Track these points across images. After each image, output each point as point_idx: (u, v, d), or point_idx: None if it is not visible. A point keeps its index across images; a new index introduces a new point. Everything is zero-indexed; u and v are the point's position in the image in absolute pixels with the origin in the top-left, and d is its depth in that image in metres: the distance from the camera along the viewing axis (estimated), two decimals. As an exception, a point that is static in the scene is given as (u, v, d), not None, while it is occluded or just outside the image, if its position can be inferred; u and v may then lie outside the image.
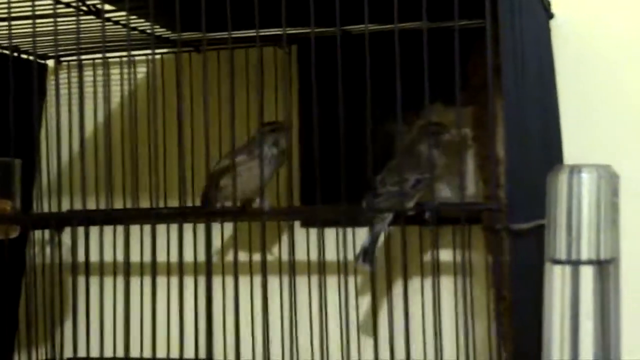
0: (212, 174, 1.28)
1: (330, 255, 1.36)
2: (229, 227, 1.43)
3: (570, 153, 1.22)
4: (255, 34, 1.24)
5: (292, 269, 1.33)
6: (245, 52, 1.38)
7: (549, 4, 1.27)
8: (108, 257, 1.42)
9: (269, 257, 1.40)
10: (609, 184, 0.82)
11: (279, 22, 1.09)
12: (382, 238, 1.17)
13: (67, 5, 1.22)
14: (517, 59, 1.00)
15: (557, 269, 0.82)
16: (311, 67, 1.12)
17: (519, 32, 1.00)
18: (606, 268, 0.81)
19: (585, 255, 0.81)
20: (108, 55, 1.35)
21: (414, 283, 1.34)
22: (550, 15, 1.27)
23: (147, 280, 1.35)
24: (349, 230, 1.34)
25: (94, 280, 1.26)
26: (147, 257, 1.41)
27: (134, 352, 1.38)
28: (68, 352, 1.45)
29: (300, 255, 1.39)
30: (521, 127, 0.99)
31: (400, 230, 1.29)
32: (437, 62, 1.04)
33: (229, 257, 1.44)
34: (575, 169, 0.82)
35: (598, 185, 0.81)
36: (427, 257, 1.34)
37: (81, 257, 1.27)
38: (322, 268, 1.32)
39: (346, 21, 1.14)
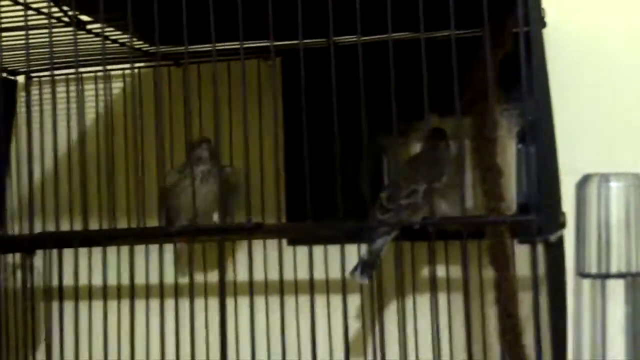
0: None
1: (319, 273, 1.31)
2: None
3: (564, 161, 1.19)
4: (238, 47, 1.21)
5: (281, 288, 1.28)
6: (228, 65, 1.33)
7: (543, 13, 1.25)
8: (83, 281, 1.38)
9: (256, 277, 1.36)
10: (639, 193, 0.79)
11: (261, 34, 1.05)
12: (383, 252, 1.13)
13: (38, 12, 1.15)
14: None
15: (586, 283, 0.79)
16: (296, 79, 1.09)
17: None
18: (638, 281, 0.78)
19: (615, 268, 0.78)
20: (82, 70, 1.30)
21: (423, 299, 1.30)
22: (544, 24, 1.25)
23: (125, 304, 1.30)
24: (339, 248, 1.30)
25: (69, 305, 1.20)
26: (125, 280, 1.36)
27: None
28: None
29: (288, 274, 1.34)
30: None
31: (397, 246, 1.30)
32: (432, 73, 1.01)
33: (214, 277, 1.39)
34: (603, 178, 0.79)
35: (627, 194, 0.78)
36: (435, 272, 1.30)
37: (55, 281, 1.20)
38: (312, 287, 1.26)
39: (334, 32, 1.11)
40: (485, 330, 1.23)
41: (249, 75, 1.31)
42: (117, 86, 1.44)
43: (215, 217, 1.22)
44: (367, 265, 1.12)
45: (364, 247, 1.30)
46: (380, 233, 1.10)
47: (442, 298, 1.29)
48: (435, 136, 1.15)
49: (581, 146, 1.27)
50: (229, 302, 1.35)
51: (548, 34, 1.12)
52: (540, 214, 0.87)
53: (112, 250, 1.33)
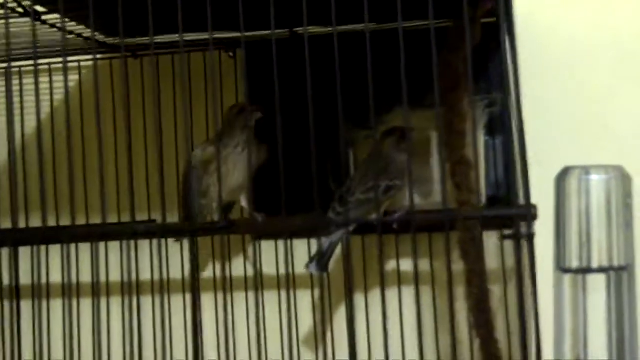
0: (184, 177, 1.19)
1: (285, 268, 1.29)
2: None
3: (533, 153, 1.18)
4: (198, 38, 1.18)
5: (254, 282, 1.26)
6: (188, 57, 1.30)
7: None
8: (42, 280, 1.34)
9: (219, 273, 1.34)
10: (621, 185, 0.78)
11: (223, 25, 1.02)
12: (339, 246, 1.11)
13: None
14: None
15: (566, 278, 0.78)
16: (259, 72, 1.06)
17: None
18: (620, 275, 0.77)
19: (596, 262, 0.77)
20: (39, 62, 1.26)
21: (391, 293, 1.28)
22: (513, 16, 1.24)
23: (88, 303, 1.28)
24: (303, 242, 1.28)
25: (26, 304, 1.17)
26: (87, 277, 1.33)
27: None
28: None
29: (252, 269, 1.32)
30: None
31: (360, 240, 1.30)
32: (399, 64, 0.99)
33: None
34: (584, 171, 0.78)
35: (608, 187, 0.77)
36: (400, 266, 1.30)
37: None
38: (290, 281, 1.26)
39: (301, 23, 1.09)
40: (454, 324, 1.22)
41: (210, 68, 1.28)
42: (72, 79, 1.39)
43: (243, 202, 1.16)
44: (322, 259, 1.10)
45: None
46: (336, 227, 1.08)
47: (410, 292, 1.28)
48: (396, 134, 1.13)
49: (550, 138, 1.26)
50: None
51: (518, 25, 1.11)
52: (521, 207, 0.86)
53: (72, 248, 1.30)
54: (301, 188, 1.06)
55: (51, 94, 1.40)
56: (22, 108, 1.37)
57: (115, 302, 1.34)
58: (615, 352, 0.76)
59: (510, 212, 0.88)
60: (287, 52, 1.08)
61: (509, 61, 1.08)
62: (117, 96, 1.35)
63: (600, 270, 0.77)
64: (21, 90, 1.38)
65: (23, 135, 1.40)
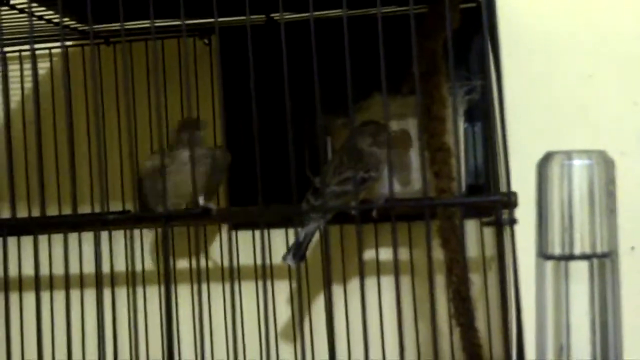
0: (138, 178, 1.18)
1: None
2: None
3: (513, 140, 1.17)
4: (171, 24, 1.16)
5: (231, 273, 1.24)
6: (162, 43, 1.28)
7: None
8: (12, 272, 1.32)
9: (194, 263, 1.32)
10: (604, 171, 0.76)
11: (197, 11, 1.00)
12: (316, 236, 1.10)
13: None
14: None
15: (549, 265, 0.76)
16: (234, 58, 1.04)
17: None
18: (602, 262, 0.76)
19: (579, 249, 0.76)
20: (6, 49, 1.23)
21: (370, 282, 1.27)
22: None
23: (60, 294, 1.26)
24: (281, 232, 1.27)
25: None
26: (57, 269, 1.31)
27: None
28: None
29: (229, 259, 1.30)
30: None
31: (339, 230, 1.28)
32: (376, 51, 0.98)
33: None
34: (566, 156, 0.76)
35: (591, 172, 0.76)
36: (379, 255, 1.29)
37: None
38: (266, 271, 1.23)
39: (274, 9, 1.07)
40: (434, 314, 1.21)
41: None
42: (44, 66, 1.36)
43: (201, 200, 1.16)
44: (298, 250, 1.08)
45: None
46: (311, 218, 1.07)
47: (389, 281, 1.27)
48: (368, 131, 1.11)
49: (531, 125, 1.25)
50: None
51: (497, 10, 1.10)
52: (502, 194, 0.85)
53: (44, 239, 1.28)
54: (279, 177, 1.04)
55: (22, 82, 1.37)
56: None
57: (89, 294, 1.32)
58: (599, 339, 0.75)
59: (491, 199, 0.87)
60: (263, 39, 1.07)
61: (489, 47, 1.06)
62: (89, 84, 1.32)
63: (583, 257, 0.76)
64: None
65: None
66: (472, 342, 1.05)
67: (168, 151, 1.15)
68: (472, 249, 1.23)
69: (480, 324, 1.11)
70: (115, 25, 1.23)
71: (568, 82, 1.27)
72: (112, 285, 1.32)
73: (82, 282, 1.33)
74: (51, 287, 1.32)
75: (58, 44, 1.30)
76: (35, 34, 1.18)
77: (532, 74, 1.27)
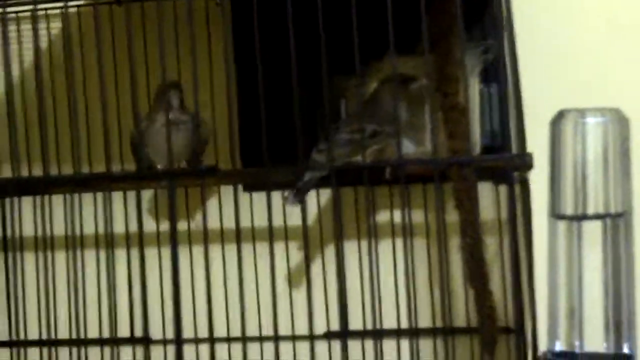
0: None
1: (278, 220, 1.26)
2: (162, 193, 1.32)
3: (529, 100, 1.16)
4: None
5: (238, 235, 1.23)
6: (174, 5, 1.26)
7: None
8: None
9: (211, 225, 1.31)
10: (618, 129, 0.74)
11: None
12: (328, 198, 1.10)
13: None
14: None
15: (561, 225, 0.75)
16: (246, 19, 1.02)
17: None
18: (616, 223, 0.74)
19: (592, 209, 0.74)
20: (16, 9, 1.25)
21: (384, 244, 1.27)
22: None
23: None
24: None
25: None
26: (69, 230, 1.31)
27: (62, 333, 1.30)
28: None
29: (245, 221, 1.29)
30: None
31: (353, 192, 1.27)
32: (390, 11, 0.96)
33: (164, 225, 1.33)
34: (579, 114, 0.75)
35: (605, 130, 0.74)
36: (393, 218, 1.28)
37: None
38: (271, 234, 1.23)
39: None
40: (449, 276, 1.20)
41: (197, 16, 1.23)
42: (55, 26, 1.35)
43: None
44: (299, 192, 1.08)
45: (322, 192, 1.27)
46: (317, 162, 1.07)
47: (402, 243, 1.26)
48: (396, 80, 1.10)
49: (545, 85, 1.23)
50: (185, 251, 1.31)
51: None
52: (514, 154, 0.83)
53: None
54: (292, 139, 1.04)
55: (35, 41, 1.36)
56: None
57: (89, 254, 1.32)
58: (612, 301, 0.74)
59: (504, 160, 0.85)
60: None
61: (503, 6, 1.05)
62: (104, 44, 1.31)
63: (596, 217, 0.75)
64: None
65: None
66: (486, 304, 1.04)
67: (146, 116, 1.16)
68: (488, 212, 1.21)
69: (495, 286, 1.11)
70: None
71: (584, 41, 1.25)
72: (112, 245, 1.32)
73: (82, 242, 1.33)
74: (52, 248, 1.32)
75: (70, 2, 1.30)
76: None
77: (548, 33, 1.25)
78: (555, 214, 0.76)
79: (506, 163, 0.84)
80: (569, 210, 0.75)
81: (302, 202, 1.09)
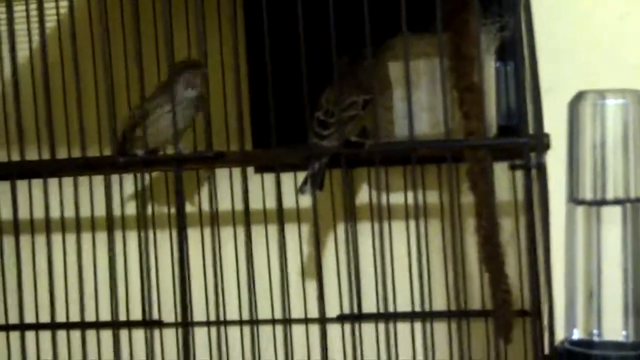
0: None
1: (289, 202, 1.25)
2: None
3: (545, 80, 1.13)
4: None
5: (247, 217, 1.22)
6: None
7: None
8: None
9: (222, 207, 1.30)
10: (639, 110, 0.72)
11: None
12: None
13: None
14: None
15: (580, 210, 0.73)
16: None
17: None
18: (636, 208, 0.72)
19: (611, 193, 0.72)
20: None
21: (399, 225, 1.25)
22: None
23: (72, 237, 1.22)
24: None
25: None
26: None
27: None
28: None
29: (256, 203, 1.28)
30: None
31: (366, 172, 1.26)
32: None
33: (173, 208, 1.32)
34: (599, 95, 0.72)
35: (625, 112, 0.72)
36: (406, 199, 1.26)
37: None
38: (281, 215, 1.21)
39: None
40: (464, 259, 1.18)
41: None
42: (63, 5, 1.33)
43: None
44: (315, 179, 1.07)
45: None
46: (323, 148, 1.08)
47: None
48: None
49: (563, 64, 1.20)
50: (195, 234, 1.29)
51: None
52: (530, 136, 0.81)
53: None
54: (303, 120, 1.02)
55: (41, 24, 1.35)
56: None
57: (100, 238, 1.31)
58: (631, 287, 0.72)
59: (520, 141, 0.83)
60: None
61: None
62: (110, 26, 1.29)
63: (616, 202, 0.72)
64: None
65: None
66: (501, 288, 1.02)
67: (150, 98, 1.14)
68: (504, 194, 1.19)
69: (511, 270, 1.09)
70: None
71: (602, 21, 1.22)
72: (123, 229, 1.31)
73: (93, 226, 1.32)
74: (63, 231, 1.31)
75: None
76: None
77: (566, 11, 1.22)
78: (574, 199, 0.74)
79: (520, 145, 0.81)
80: (587, 195, 0.73)
81: (320, 190, 1.08)
